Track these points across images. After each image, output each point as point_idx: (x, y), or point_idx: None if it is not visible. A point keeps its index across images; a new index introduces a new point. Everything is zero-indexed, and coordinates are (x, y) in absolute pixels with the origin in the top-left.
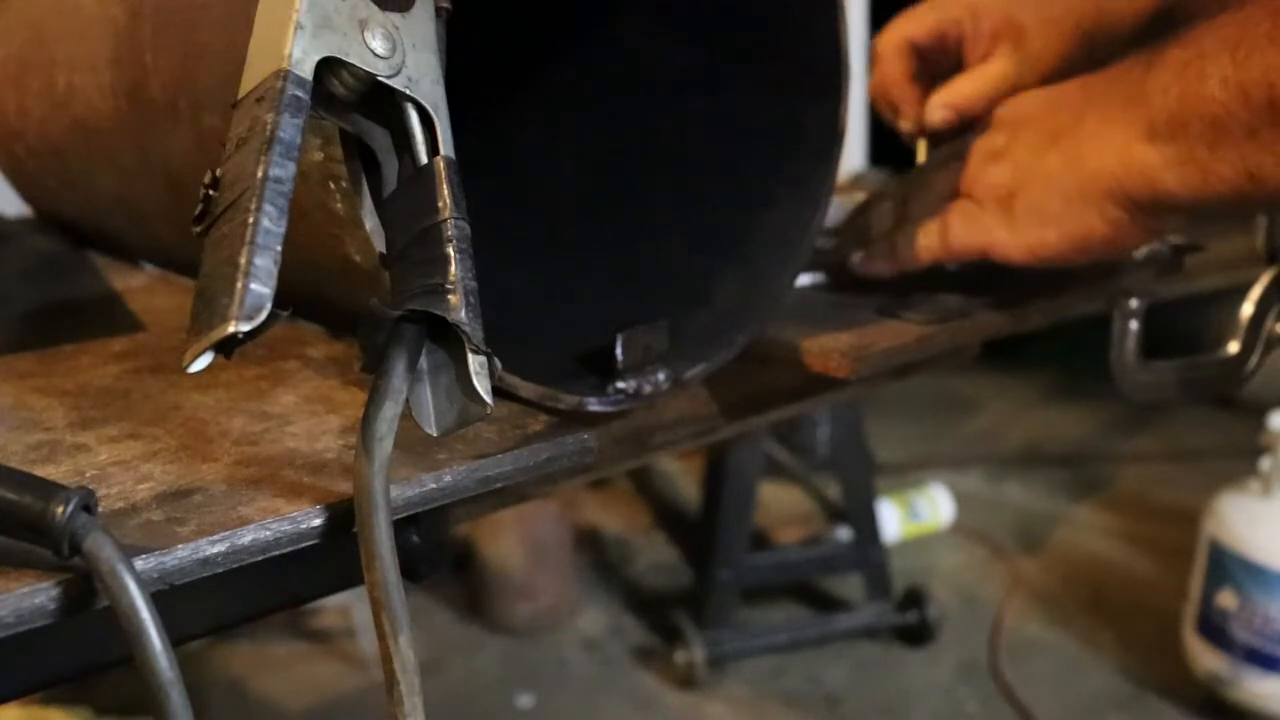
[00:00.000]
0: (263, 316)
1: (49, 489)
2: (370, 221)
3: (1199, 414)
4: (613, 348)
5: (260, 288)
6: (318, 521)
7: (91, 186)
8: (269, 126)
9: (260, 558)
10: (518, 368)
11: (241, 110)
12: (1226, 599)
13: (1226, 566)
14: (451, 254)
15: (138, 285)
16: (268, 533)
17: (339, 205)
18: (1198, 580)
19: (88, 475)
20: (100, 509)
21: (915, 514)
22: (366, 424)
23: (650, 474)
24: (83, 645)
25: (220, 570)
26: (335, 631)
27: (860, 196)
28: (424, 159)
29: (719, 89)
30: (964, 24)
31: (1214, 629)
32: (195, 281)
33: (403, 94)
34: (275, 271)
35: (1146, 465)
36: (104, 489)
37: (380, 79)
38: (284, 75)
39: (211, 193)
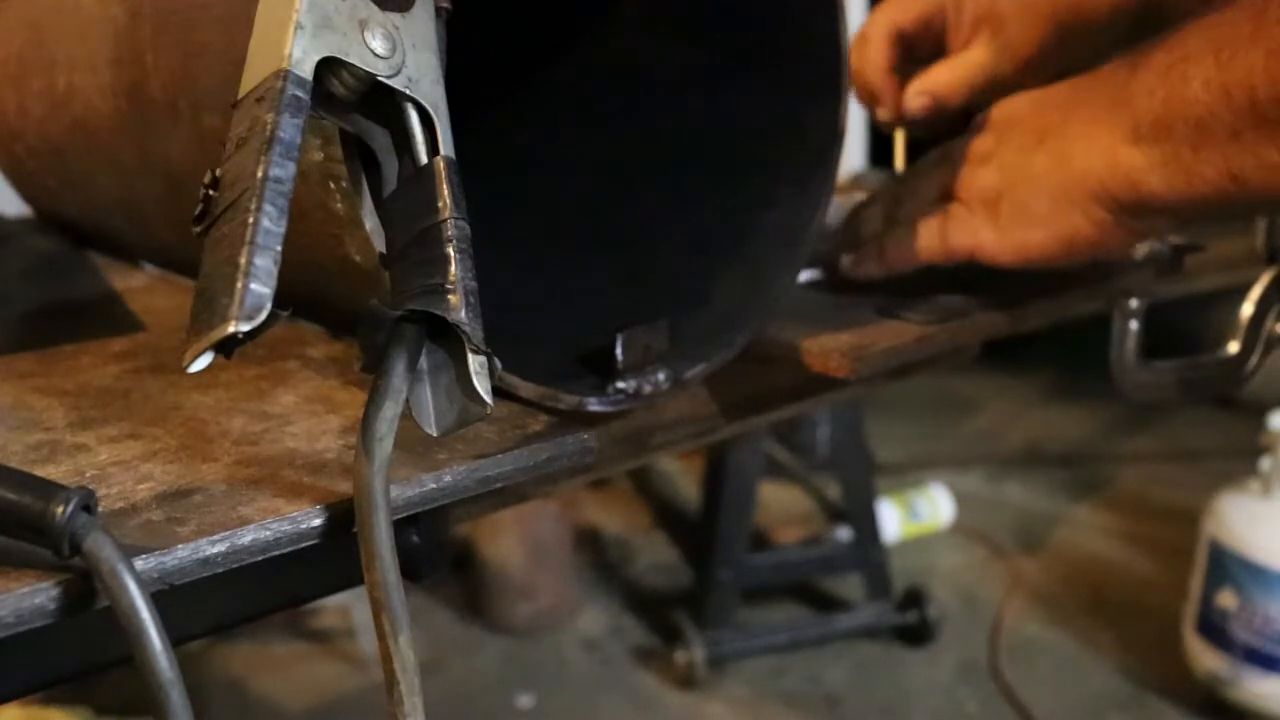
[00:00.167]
0: (263, 316)
1: (49, 489)
2: (370, 221)
3: (1199, 414)
4: (613, 348)
5: (260, 288)
6: (318, 521)
7: (91, 186)
8: (269, 126)
9: (260, 558)
10: (518, 368)
11: (241, 110)
12: (1226, 599)
13: (1226, 566)
14: (451, 254)
15: (138, 285)
16: (268, 533)
17: (339, 205)
18: (1198, 580)
19: (88, 475)
20: (100, 509)
21: (915, 514)
22: (366, 424)
23: (650, 474)
24: (83, 645)
25: (220, 570)
26: (335, 631)
27: (860, 196)
28: (424, 159)
29: (719, 89)
30: (948, 11)
31: (1214, 629)
32: (195, 281)
33: (403, 94)
34: (275, 271)
35: (1146, 465)
36: (104, 489)
37: (380, 79)
38: (284, 75)
39: (211, 193)
